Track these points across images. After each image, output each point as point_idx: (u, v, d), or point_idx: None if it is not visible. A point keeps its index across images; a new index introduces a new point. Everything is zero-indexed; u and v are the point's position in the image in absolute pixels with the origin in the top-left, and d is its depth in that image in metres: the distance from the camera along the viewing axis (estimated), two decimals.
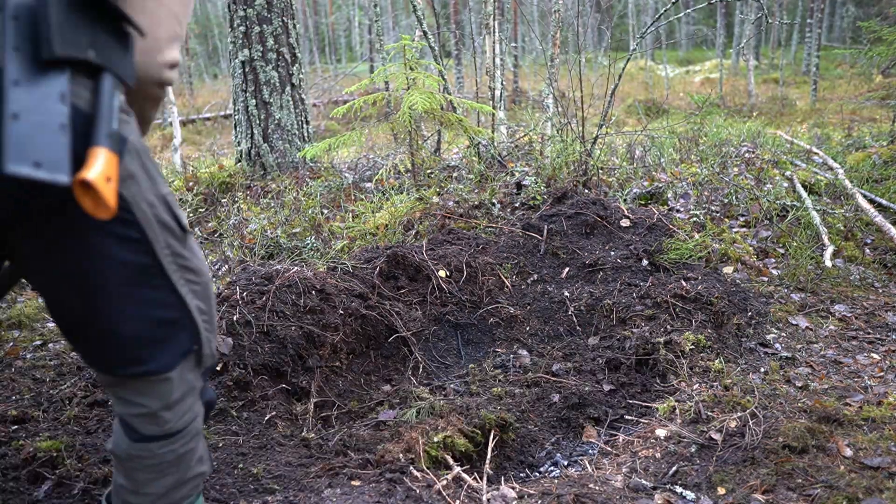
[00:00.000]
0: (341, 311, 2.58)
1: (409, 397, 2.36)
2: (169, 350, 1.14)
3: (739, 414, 1.99)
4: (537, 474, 2.01)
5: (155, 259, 1.08)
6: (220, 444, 1.96)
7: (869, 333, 2.58)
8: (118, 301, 1.06)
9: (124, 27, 1.02)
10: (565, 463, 2.05)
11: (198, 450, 1.26)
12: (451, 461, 1.88)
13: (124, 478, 1.21)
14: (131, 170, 1.02)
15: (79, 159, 0.89)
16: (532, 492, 1.75)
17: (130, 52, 1.03)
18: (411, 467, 1.80)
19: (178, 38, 1.13)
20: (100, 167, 0.87)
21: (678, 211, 3.66)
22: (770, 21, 4.37)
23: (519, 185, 3.85)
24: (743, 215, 3.70)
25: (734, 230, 3.50)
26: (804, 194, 3.82)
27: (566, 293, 2.91)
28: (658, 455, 1.93)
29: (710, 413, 2.04)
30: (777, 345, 2.50)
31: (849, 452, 1.75)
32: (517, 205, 3.68)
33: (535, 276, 3.06)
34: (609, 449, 2.05)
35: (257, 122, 4.92)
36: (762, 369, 2.33)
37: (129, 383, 1.14)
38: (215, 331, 1.25)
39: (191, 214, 4.33)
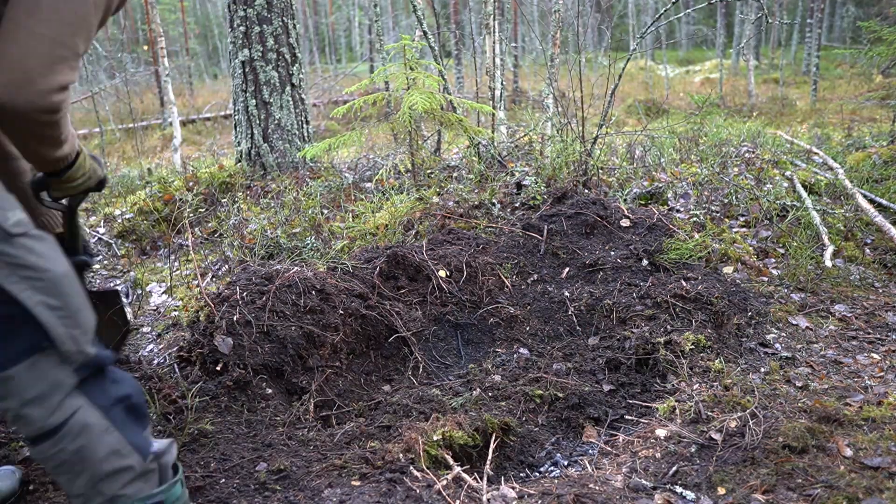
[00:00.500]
0: (341, 311, 2.58)
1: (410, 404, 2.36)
2: (11, 346, 1.17)
3: (739, 414, 1.99)
4: (537, 474, 2.01)
5: None
6: (220, 444, 1.96)
7: (869, 333, 2.58)
8: None
9: None
10: (565, 463, 2.05)
11: (102, 444, 1.25)
12: (451, 461, 1.88)
13: (59, 482, 1.28)
14: None
15: None
16: (532, 492, 1.75)
17: None
18: (411, 467, 1.80)
19: (63, 60, 1.16)
20: None
21: (678, 211, 3.66)
22: (770, 21, 4.37)
23: (519, 185, 3.85)
24: (743, 215, 3.70)
25: (734, 230, 3.50)
26: (804, 194, 3.82)
27: (566, 293, 2.91)
28: (658, 455, 1.93)
29: (710, 413, 2.04)
30: (777, 345, 2.50)
31: (849, 452, 1.75)
32: (517, 205, 3.68)
33: (535, 276, 3.06)
34: (609, 449, 2.05)
35: (257, 122, 4.92)
36: (762, 369, 2.33)
37: None
38: (83, 327, 1.25)
39: (191, 214, 4.33)
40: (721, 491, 1.71)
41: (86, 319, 1.26)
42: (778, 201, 3.75)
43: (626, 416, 2.24)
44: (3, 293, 1.15)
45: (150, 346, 2.79)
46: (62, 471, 1.25)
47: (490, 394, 2.34)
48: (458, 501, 1.67)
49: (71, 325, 1.22)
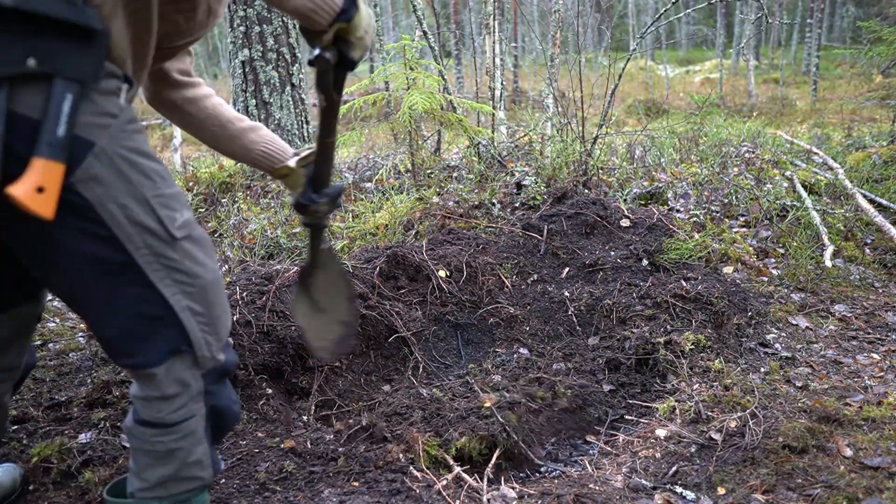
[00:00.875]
0: None
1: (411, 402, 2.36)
2: (155, 346, 1.19)
3: (739, 414, 1.99)
4: (537, 474, 2.01)
5: (129, 257, 1.13)
6: (220, 444, 1.96)
7: (869, 333, 2.58)
8: (98, 293, 1.14)
9: (81, 24, 1.01)
10: (565, 463, 2.05)
11: (194, 452, 1.29)
12: (451, 461, 1.88)
13: (132, 458, 1.29)
14: (95, 173, 1.06)
15: (26, 166, 0.96)
16: (532, 492, 1.75)
17: (92, 46, 1.03)
18: (411, 467, 1.80)
19: None
20: (30, 179, 0.94)
21: (678, 211, 3.66)
22: (770, 21, 4.37)
23: (519, 185, 3.84)
24: (743, 215, 3.70)
25: (734, 230, 3.50)
26: (804, 194, 3.82)
27: (566, 293, 2.91)
28: (658, 455, 1.93)
29: (710, 413, 2.04)
30: (777, 345, 2.50)
31: (849, 452, 1.75)
32: (517, 205, 3.68)
33: (535, 276, 3.06)
34: (609, 449, 2.05)
35: (257, 121, 4.92)
36: (762, 369, 2.33)
37: (130, 372, 1.24)
38: (218, 334, 1.27)
39: None
40: (721, 491, 1.71)
41: (222, 326, 1.28)
42: (778, 201, 3.75)
43: (626, 416, 2.24)
44: (157, 294, 1.17)
45: None
46: (149, 456, 1.26)
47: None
48: (458, 501, 1.67)
49: (209, 331, 1.25)
